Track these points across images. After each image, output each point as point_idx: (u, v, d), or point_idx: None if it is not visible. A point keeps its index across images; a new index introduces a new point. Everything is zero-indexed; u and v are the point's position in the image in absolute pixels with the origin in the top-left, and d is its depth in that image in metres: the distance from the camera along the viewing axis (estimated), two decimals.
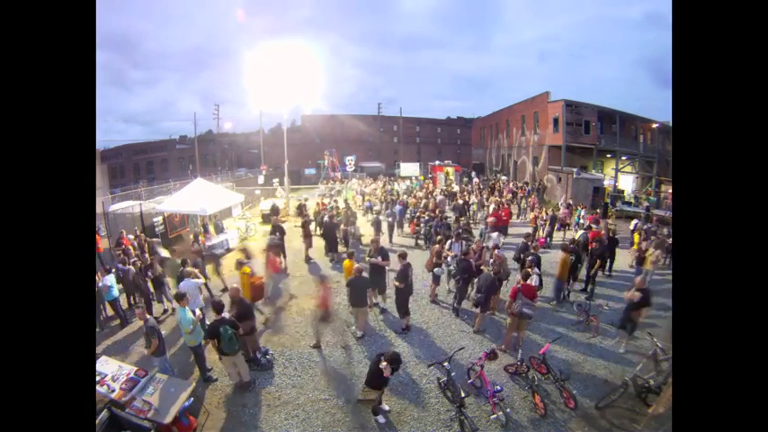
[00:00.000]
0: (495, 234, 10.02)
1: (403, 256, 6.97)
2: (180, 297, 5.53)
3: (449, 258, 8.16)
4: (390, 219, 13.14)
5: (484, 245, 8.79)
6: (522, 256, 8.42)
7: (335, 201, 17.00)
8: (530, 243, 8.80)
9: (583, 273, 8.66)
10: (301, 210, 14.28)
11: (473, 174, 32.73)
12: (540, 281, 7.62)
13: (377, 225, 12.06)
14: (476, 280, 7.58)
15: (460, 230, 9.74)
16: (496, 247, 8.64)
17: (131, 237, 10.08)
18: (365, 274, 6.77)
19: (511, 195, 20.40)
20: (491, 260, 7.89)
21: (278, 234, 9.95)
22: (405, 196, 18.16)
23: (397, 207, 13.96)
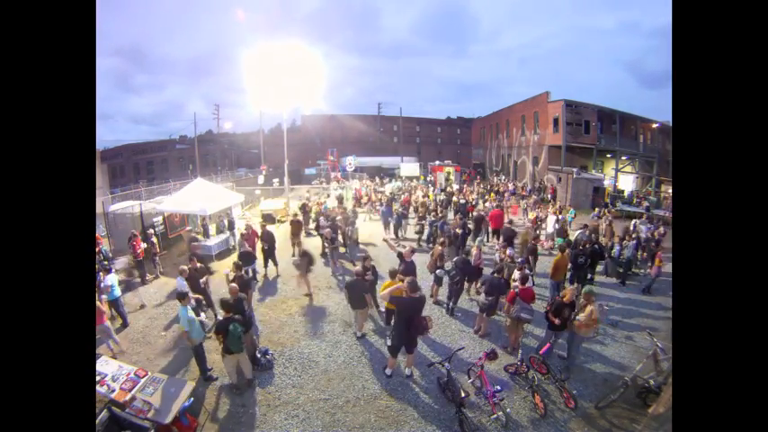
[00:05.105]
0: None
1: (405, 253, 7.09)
2: (182, 296, 5.53)
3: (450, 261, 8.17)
4: (389, 219, 13.05)
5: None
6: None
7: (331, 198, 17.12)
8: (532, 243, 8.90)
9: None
10: (305, 209, 14.30)
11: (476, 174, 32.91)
12: (533, 282, 7.64)
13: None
14: (479, 283, 7.58)
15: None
16: (505, 247, 8.72)
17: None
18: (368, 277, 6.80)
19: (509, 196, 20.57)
20: (501, 259, 7.92)
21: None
22: (401, 195, 18.15)
23: (383, 208, 13.67)
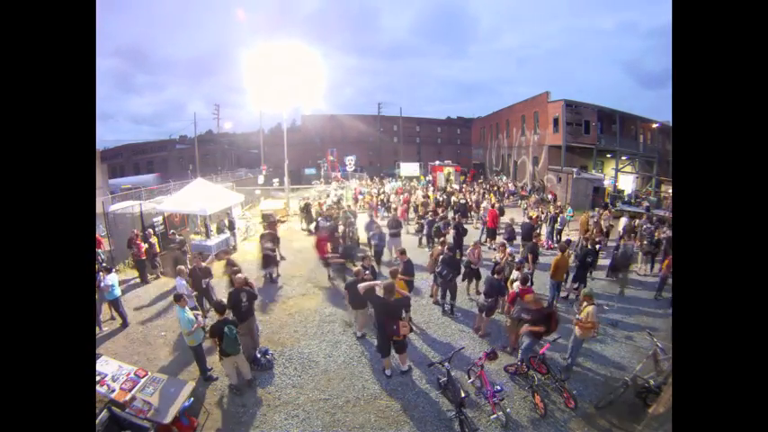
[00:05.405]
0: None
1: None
2: (178, 298, 5.53)
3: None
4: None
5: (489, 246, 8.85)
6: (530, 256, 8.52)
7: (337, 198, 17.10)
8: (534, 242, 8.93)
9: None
10: (307, 209, 14.31)
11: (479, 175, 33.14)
12: (531, 280, 7.66)
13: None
14: (481, 282, 7.58)
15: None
16: (504, 246, 8.73)
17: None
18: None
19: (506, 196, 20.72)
20: (501, 258, 7.92)
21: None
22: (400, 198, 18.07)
23: (367, 219, 11.43)
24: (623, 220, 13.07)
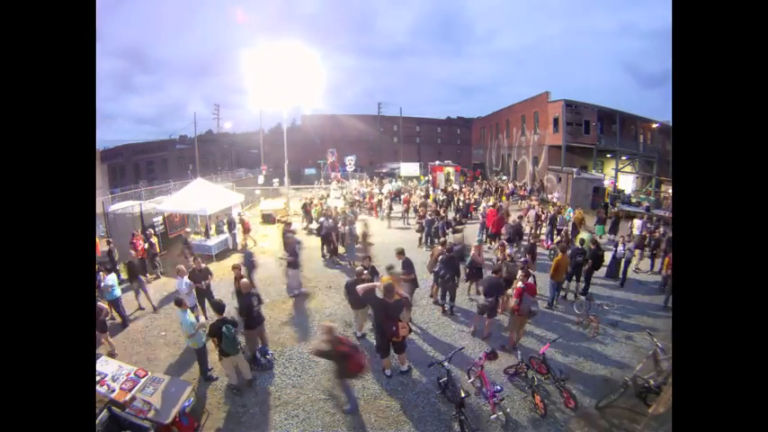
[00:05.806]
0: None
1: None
2: (179, 302, 5.52)
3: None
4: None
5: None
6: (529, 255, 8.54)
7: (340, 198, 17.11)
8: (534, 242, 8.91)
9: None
10: (306, 209, 14.34)
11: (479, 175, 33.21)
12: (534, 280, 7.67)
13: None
14: (478, 284, 7.59)
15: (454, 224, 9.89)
16: (504, 246, 8.72)
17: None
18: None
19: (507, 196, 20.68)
20: (500, 259, 7.91)
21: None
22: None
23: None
24: (637, 222, 13.21)
